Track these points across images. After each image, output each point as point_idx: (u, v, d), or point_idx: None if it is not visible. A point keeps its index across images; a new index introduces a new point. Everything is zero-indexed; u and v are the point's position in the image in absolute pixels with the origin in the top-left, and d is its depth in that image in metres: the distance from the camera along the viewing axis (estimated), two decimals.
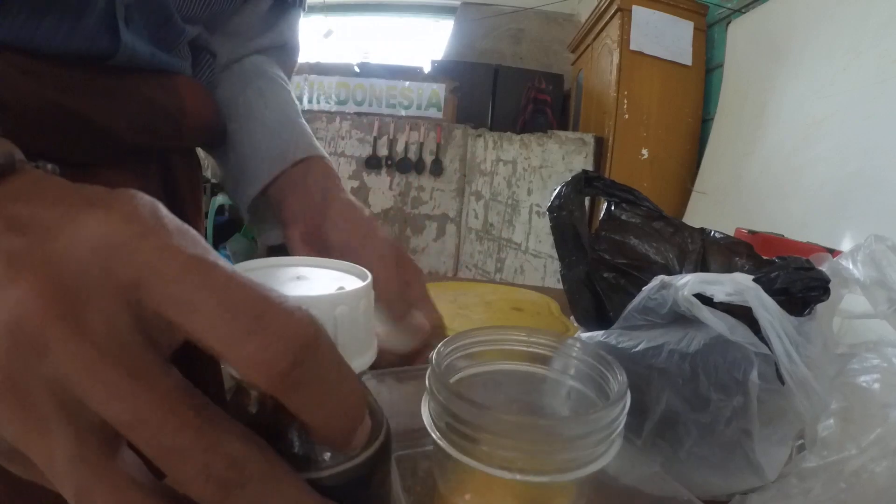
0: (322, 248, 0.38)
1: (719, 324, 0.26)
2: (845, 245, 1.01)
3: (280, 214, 0.41)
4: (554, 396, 0.27)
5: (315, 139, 0.43)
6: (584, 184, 0.38)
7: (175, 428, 0.12)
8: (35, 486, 0.14)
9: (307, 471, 0.16)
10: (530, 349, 0.27)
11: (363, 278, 0.19)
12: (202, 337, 0.13)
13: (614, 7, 2.01)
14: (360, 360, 0.19)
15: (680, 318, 0.28)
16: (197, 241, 0.14)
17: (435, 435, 0.22)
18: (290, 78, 0.53)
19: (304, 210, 0.39)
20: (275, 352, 0.13)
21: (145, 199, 0.15)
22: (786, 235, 0.92)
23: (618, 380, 0.24)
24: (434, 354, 0.24)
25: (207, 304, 0.13)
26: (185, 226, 0.15)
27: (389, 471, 0.21)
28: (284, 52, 0.50)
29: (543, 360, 0.27)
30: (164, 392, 0.13)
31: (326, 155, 0.43)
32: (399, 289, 0.35)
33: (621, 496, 0.27)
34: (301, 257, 0.22)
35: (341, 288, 0.18)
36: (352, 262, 0.21)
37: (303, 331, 0.13)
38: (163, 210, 0.14)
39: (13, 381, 0.13)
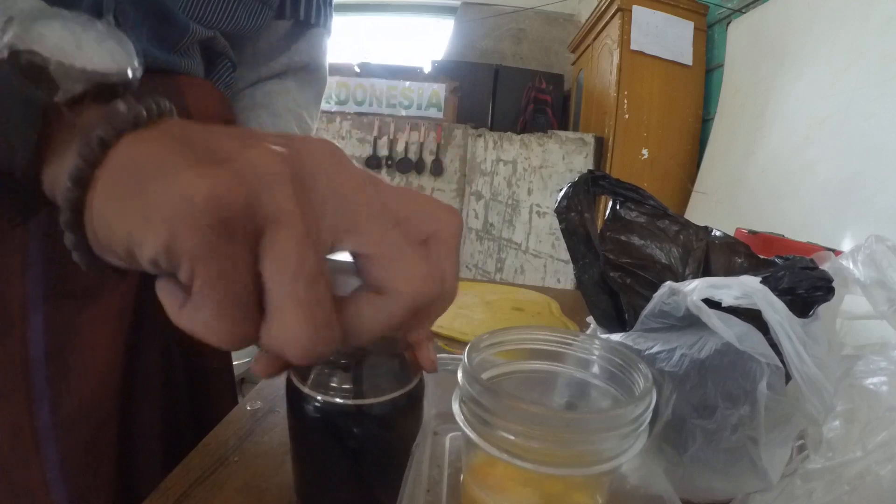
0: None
1: (728, 332, 0.26)
2: (846, 245, 1.00)
3: None
4: (580, 394, 0.28)
5: None
6: (591, 183, 0.38)
7: None
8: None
9: (359, 398, 0.26)
10: (556, 349, 0.28)
11: None
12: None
13: (614, 7, 2.01)
14: None
15: (697, 321, 0.28)
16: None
17: (462, 424, 0.23)
18: (319, 99, 0.52)
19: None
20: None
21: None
22: (786, 236, 0.92)
23: (644, 377, 0.24)
24: (466, 351, 0.25)
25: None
26: None
27: (419, 416, 0.29)
28: (307, 72, 0.49)
29: (569, 360, 0.28)
30: None
31: None
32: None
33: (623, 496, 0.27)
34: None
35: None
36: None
37: None
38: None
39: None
